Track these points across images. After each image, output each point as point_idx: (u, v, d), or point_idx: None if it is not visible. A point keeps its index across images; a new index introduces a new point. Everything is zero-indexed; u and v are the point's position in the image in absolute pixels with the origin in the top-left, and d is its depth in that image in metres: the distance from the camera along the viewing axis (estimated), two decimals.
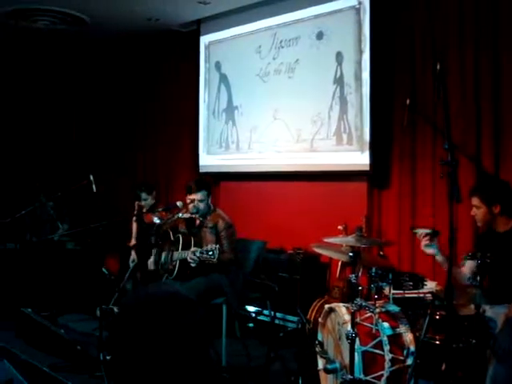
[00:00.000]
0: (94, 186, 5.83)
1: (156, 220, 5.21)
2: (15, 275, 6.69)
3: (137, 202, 6.66)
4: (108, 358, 4.38)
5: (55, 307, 6.37)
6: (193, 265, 4.95)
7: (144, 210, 6.56)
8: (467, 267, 4.13)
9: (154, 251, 5.41)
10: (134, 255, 6.54)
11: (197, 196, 5.30)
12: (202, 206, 5.31)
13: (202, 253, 4.79)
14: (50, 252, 6.99)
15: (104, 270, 6.36)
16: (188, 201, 5.32)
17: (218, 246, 4.80)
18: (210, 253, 4.72)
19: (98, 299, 5.92)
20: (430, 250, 4.01)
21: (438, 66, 3.43)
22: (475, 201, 4.03)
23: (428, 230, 4.04)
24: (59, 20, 7.54)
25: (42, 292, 6.56)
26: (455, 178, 3.02)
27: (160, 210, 5.64)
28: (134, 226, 6.63)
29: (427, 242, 3.98)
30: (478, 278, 3.50)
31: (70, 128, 9.70)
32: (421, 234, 4.04)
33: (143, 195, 6.62)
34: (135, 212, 6.63)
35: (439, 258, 4.00)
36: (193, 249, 5.01)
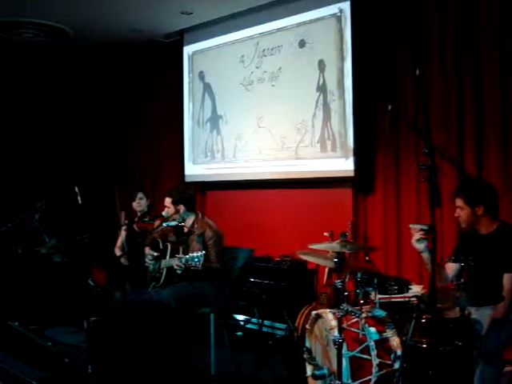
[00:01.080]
0: (79, 198, 5.80)
1: (165, 214, 5.38)
2: (2, 289, 6.64)
3: (123, 212, 6.59)
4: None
5: (43, 320, 6.33)
6: (179, 271, 5.00)
7: (138, 214, 6.45)
8: (450, 268, 4.16)
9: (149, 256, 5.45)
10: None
11: (167, 201, 5.41)
12: (168, 211, 5.38)
13: (187, 260, 4.82)
14: (37, 265, 6.95)
15: (90, 281, 6.31)
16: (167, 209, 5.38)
17: (203, 252, 4.83)
18: (196, 259, 4.76)
19: (85, 312, 5.88)
20: (419, 246, 4.02)
21: (418, 72, 3.46)
22: (459, 202, 4.04)
23: (424, 226, 4.07)
24: (43, 32, 7.54)
25: (29, 305, 6.52)
26: (435, 182, 3.04)
27: (147, 220, 5.63)
28: (123, 234, 6.47)
29: (420, 236, 3.99)
30: (462, 281, 3.52)
31: (55, 139, 9.65)
32: (415, 229, 4.06)
33: (139, 194, 6.48)
34: (124, 221, 6.52)
35: (425, 255, 4.02)
36: (179, 256, 5.04)
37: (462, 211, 4.04)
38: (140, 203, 6.41)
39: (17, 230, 7.09)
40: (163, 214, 5.40)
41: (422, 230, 4.02)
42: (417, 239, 4.02)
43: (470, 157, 5.22)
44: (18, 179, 8.88)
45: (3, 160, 9.04)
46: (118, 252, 6.39)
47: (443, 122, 5.36)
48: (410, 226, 4.19)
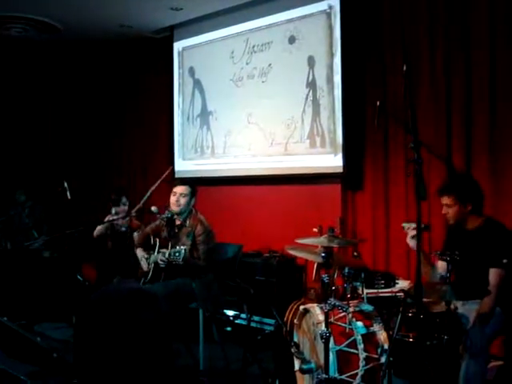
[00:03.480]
0: (68, 193, 5.81)
1: (153, 209, 5.32)
2: None
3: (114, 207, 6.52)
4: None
5: (31, 315, 6.33)
6: (162, 266, 4.99)
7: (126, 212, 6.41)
8: (441, 265, 4.19)
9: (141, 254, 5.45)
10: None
11: (180, 189, 5.31)
12: (183, 201, 5.30)
13: (170, 254, 4.82)
14: (26, 260, 6.94)
15: (78, 276, 6.31)
16: (171, 197, 5.32)
17: (185, 247, 4.81)
18: (177, 254, 4.74)
19: (73, 307, 5.88)
20: (414, 244, 4.04)
21: (405, 67, 3.48)
22: (447, 199, 4.07)
23: (415, 224, 4.08)
24: (32, 27, 7.53)
25: (19, 300, 6.51)
26: (420, 175, 3.06)
27: (134, 215, 5.61)
28: (101, 227, 6.37)
29: (414, 233, 4.00)
30: (448, 275, 3.55)
31: (45, 135, 9.64)
32: (409, 227, 4.09)
33: (123, 199, 6.49)
34: (114, 215, 6.45)
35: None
36: (162, 250, 5.05)
37: (450, 208, 4.07)
38: (124, 208, 6.40)
39: (6, 226, 7.08)
40: (152, 209, 5.39)
41: (414, 228, 4.04)
42: (412, 236, 4.05)
43: (458, 152, 5.25)
44: (6, 175, 8.85)
45: None
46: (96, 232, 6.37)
47: (432, 118, 5.38)
48: (403, 224, 4.21)
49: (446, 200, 4.08)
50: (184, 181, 5.60)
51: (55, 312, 6.71)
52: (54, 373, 4.96)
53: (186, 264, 4.86)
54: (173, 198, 5.31)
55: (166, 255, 4.89)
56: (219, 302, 5.66)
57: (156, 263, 5.12)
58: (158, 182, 6.28)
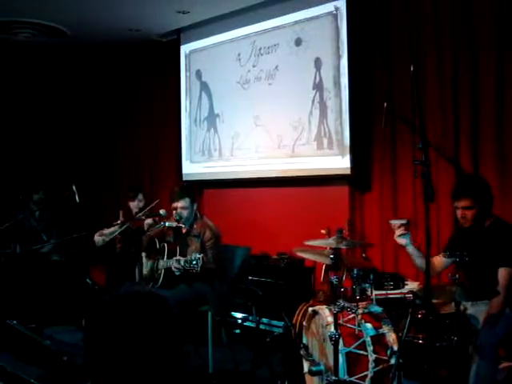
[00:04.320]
0: (76, 197, 5.82)
1: (162, 213, 5.32)
2: (0, 287, 6.66)
3: (121, 211, 6.58)
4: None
5: (41, 319, 6.35)
6: (177, 273, 4.98)
7: (135, 213, 6.45)
8: (439, 261, 4.19)
9: (144, 259, 5.44)
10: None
11: (179, 204, 5.29)
12: (185, 213, 5.30)
13: (186, 262, 4.80)
14: (35, 264, 6.96)
15: (88, 280, 6.33)
16: (173, 211, 5.32)
17: (202, 255, 4.79)
18: (194, 262, 4.72)
19: (83, 310, 5.91)
20: (402, 240, 4.07)
21: (412, 68, 3.49)
22: (465, 202, 4.02)
23: (403, 221, 4.11)
24: (39, 32, 7.55)
25: (28, 304, 6.53)
26: (429, 177, 3.06)
27: (143, 217, 5.62)
28: (114, 228, 6.39)
29: (402, 231, 4.05)
30: (457, 276, 3.54)
31: (53, 139, 9.68)
32: (395, 225, 4.10)
33: (140, 196, 6.56)
34: (121, 219, 6.49)
35: (410, 248, 4.09)
36: (177, 257, 5.02)
37: (468, 211, 4.02)
38: (139, 204, 6.49)
39: (15, 230, 7.10)
40: (161, 212, 5.39)
41: (402, 224, 4.07)
42: (398, 235, 4.07)
43: (466, 155, 5.24)
44: (16, 177, 8.88)
45: (1, 157, 9.05)
46: (96, 236, 6.34)
47: (439, 119, 5.38)
48: (390, 221, 4.23)
49: (463, 203, 4.03)
50: (181, 191, 5.49)
51: (65, 315, 6.73)
52: (64, 376, 4.99)
53: (202, 271, 4.86)
54: (174, 213, 5.31)
55: (182, 263, 4.86)
56: (229, 305, 5.66)
57: (167, 269, 5.12)
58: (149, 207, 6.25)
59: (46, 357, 5.35)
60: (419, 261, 4.03)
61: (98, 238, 6.25)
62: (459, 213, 4.07)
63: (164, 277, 5.19)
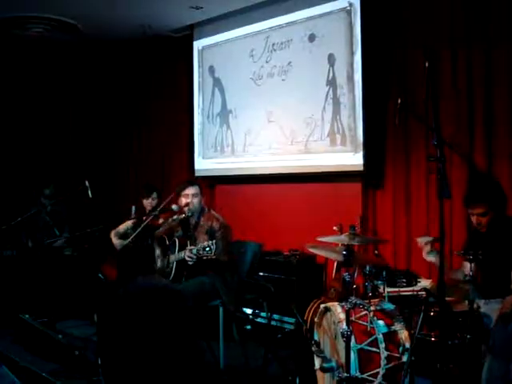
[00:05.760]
0: (89, 192, 5.84)
1: (174, 207, 5.34)
2: (13, 282, 6.69)
3: (134, 206, 6.60)
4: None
5: (53, 313, 6.37)
6: (190, 263, 4.96)
7: (147, 211, 6.48)
8: (465, 265, 4.15)
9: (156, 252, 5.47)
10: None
11: (191, 190, 5.34)
12: (196, 201, 5.34)
13: (198, 250, 4.80)
14: (48, 258, 6.99)
15: (100, 275, 6.34)
16: (183, 200, 5.34)
17: (214, 240, 4.81)
18: (208, 249, 4.72)
19: (95, 305, 5.92)
20: (431, 258, 4.05)
21: (427, 64, 3.46)
22: (480, 209, 4.00)
23: (429, 238, 4.08)
24: (52, 27, 7.56)
25: (40, 298, 6.56)
26: (444, 174, 3.03)
27: (156, 213, 5.61)
28: (129, 223, 6.42)
29: (429, 249, 4.02)
30: (471, 274, 3.52)
31: (66, 134, 9.70)
32: (421, 242, 4.08)
33: (154, 194, 6.59)
34: (133, 215, 6.53)
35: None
36: (189, 247, 5.02)
37: (484, 217, 4.00)
38: (152, 203, 6.50)
39: (28, 225, 7.14)
40: (173, 207, 5.39)
41: (428, 242, 4.04)
42: (427, 252, 4.04)
43: (480, 152, 5.21)
44: (27, 172, 8.91)
45: (14, 156, 9.09)
46: (113, 235, 6.36)
47: (454, 116, 5.35)
48: (417, 239, 4.21)
49: (478, 210, 4.02)
50: (189, 180, 5.68)
51: (77, 310, 6.76)
52: (76, 370, 5.02)
53: (217, 258, 4.86)
54: (187, 200, 5.32)
55: (194, 251, 4.85)
56: (240, 299, 5.65)
57: (179, 262, 5.13)
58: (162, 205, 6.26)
59: (58, 351, 5.40)
60: (451, 274, 4.00)
61: (116, 241, 6.23)
62: (474, 219, 4.04)
63: (176, 270, 5.19)
